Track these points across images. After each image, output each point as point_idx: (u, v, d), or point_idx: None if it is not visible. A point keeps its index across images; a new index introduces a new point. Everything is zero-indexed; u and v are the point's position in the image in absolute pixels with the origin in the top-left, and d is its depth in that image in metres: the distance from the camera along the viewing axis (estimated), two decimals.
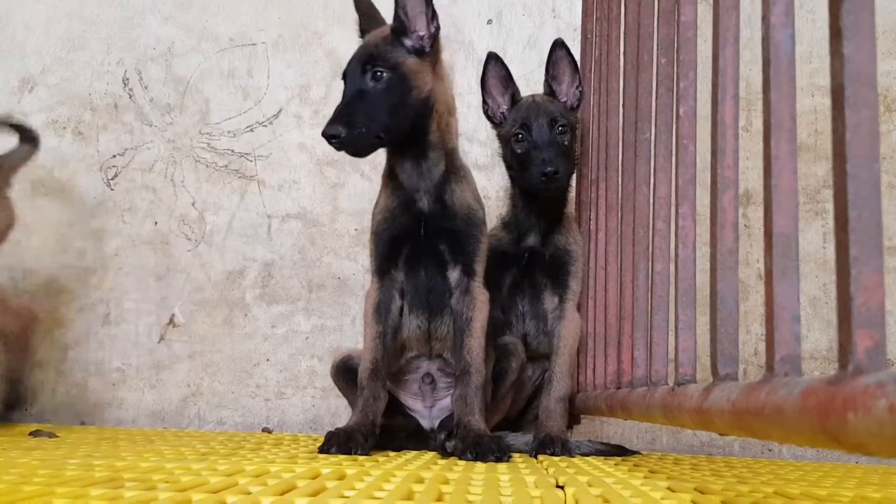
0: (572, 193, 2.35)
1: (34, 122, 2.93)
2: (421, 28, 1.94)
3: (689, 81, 1.30)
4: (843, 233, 0.70)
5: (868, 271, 0.68)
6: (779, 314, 0.85)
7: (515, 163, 2.21)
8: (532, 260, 2.23)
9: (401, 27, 1.93)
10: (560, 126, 2.17)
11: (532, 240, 2.24)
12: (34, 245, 2.89)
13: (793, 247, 0.87)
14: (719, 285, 1.04)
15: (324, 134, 1.80)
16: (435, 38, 1.96)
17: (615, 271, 1.87)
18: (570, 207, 2.32)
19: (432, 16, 1.94)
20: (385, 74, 1.87)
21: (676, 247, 1.28)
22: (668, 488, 1.33)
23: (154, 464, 1.48)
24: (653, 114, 1.55)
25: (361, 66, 1.87)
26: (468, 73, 2.93)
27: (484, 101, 2.30)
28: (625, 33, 1.88)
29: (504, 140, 2.26)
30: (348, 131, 1.80)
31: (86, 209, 2.91)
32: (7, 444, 1.87)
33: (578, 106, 2.28)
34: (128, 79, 2.96)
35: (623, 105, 1.86)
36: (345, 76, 1.89)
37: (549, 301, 2.23)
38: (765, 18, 0.92)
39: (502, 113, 2.28)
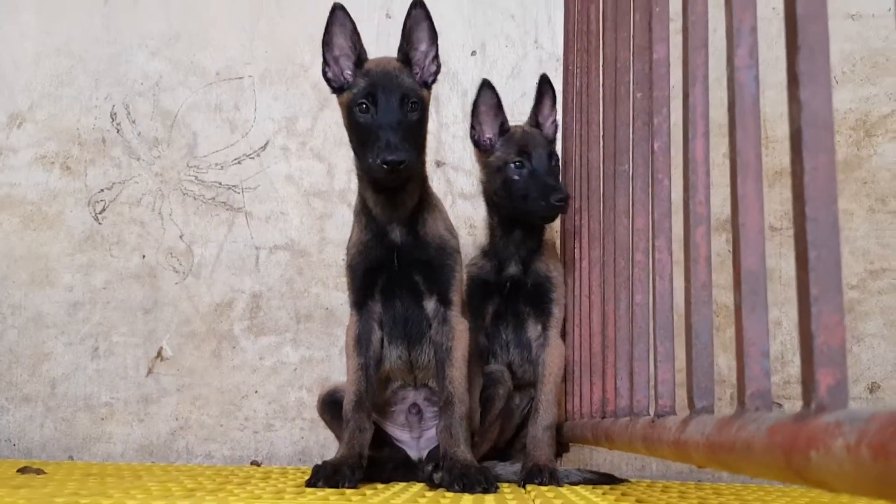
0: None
1: (23, 157, 2.95)
2: (427, 65, 2.02)
3: (663, 117, 1.33)
4: (804, 272, 0.72)
5: (828, 311, 0.70)
6: (748, 350, 0.87)
7: (511, 190, 2.22)
8: (514, 288, 2.26)
9: (408, 61, 2.00)
10: (555, 158, 2.25)
11: (513, 269, 2.27)
12: (23, 280, 2.90)
13: (761, 283, 0.88)
14: (693, 319, 1.06)
15: (390, 162, 1.82)
16: (436, 74, 2.04)
17: (599, 300, 1.89)
18: (549, 234, 2.35)
19: (435, 55, 2.03)
20: (417, 106, 1.94)
21: (654, 279, 1.30)
22: None
23: (140, 501, 1.48)
24: (630, 147, 1.58)
25: (400, 97, 1.91)
26: (453, 103, 2.96)
27: (472, 126, 2.33)
28: (603, 66, 1.91)
29: (492, 167, 2.28)
30: (408, 157, 1.85)
31: (74, 243, 2.91)
32: None
33: (555, 139, 2.35)
34: (115, 113, 2.98)
35: (603, 136, 1.89)
36: (375, 100, 1.91)
37: (533, 329, 2.25)
38: (729, 60, 0.95)
39: (489, 139, 2.31)
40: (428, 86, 2.03)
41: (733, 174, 0.92)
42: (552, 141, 2.33)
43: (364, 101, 1.92)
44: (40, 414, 2.83)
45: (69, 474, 2.12)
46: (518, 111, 2.93)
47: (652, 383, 1.35)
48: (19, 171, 2.96)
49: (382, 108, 1.90)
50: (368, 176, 1.96)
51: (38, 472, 2.11)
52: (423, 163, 2.05)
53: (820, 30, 0.75)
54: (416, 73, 2.01)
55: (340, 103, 2.02)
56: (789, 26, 0.76)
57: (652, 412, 1.34)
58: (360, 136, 1.94)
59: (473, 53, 3.00)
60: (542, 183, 2.17)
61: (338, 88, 2.01)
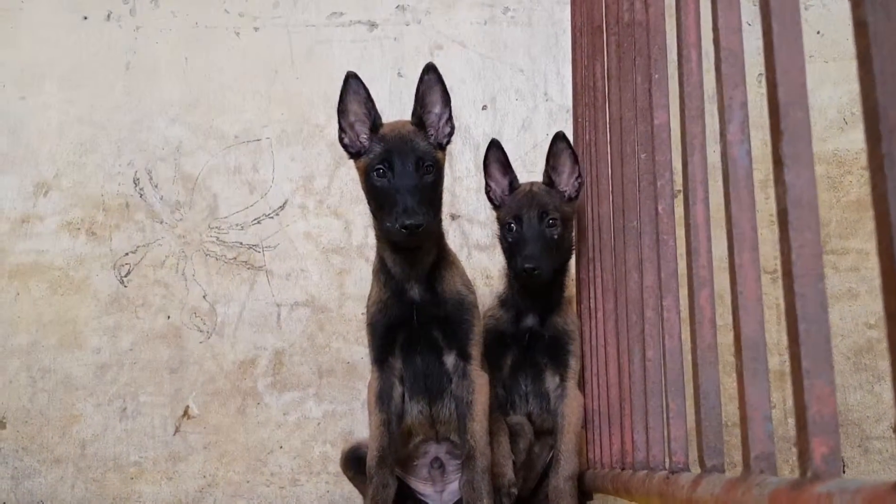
0: (572, 272, 2.41)
1: (49, 224, 3.04)
2: (441, 127, 2.08)
3: (666, 181, 1.38)
4: (795, 345, 0.76)
5: (820, 383, 0.74)
6: (751, 415, 0.91)
7: (506, 250, 2.29)
8: (532, 340, 2.29)
9: (422, 124, 2.05)
10: (550, 219, 2.23)
11: (531, 321, 2.30)
12: (52, 344, 2.96)
13: (761, 350, 0.92)
14: (701, 380, 1.09)
15: (408, 226, 1.87)
16: (451, 136, 2.09)
17: (614, 352, 1.92)
18: (569, 289, 2.38)
19: (448, 117, 2.09)
20: (432, 168, 1.99)
21: (663, 337, 1.34)
22: None
23: None
24: (637, 204, 1.62)
25: (415, 161, 1.97)
26: (466, 157, 3.03)
27: (487, 185, 2.38)
28: (609, 123, 1.97)
29: (499, 224, 2.34)
30: (426, 220, 1.90)
31: (101, 306, 2.99)
32: None
33: (577, 196, 2.34)
34: (138, 179, 3.07)
35: (612, 191, 1.94)
36: (391, 165, 1.96)
37: (551, 380, 2.28)
38: (722, 135, 1.00)
39: (500, 195, 2.36)
40: (443, 147, 2.09)
41: (730, 245, 0.96)
42: (571, 199, 2.33)
43: (381, 166, 1.98)
44: (71, 475, 2.87)
45: None
46: (530, 162, 3.00)
47: (666, 437, 1.38)
48: (46, 238, 3.04)
49: (399, 173, 1.95)
50: (387, 238, 2.01)
51: None
52: (439, 221, 2.11)
53: (801, 116, 0.80)
54: (431, 136, 2.06)
55: (358, 168, 2.08)
56: (772, 112, 0.81)
57: (667, 466, 1.37)
58: (378, 199, 2.00)
59: (484, 108, 3.07)
60: (523, 249, 2.20)
61: (355, 154, 2.07)
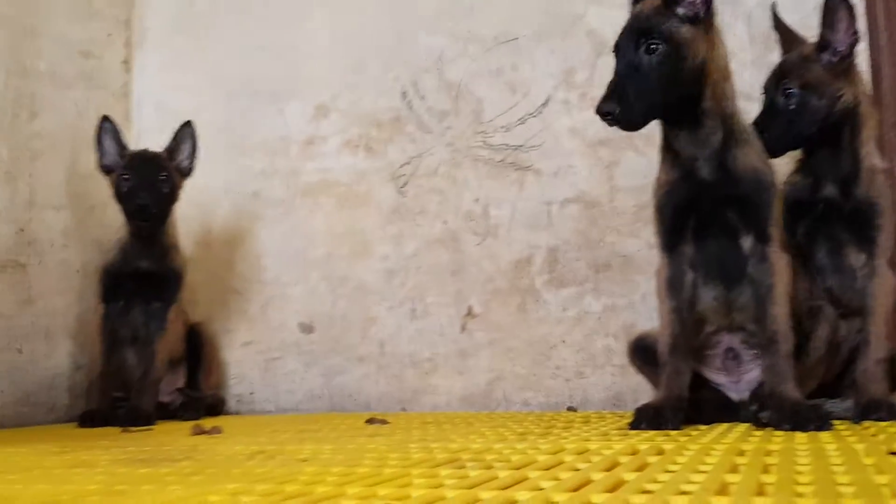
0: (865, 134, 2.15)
1: (332, 144, 3.27)
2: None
3: None
4: None
5: None
6: None
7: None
8: (828, 211, 2.10)
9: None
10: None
11: (829, 189, 2.11)
12: (344, 254, 3.22)
13: None
14: None
15: (598, 111, 1.82)
16: (709, 4, 1.89)
17: None
18: (872, 153, 2.13)
19: None
20: (659, 47, 1.83)
21: None
22: None
23: (482, 445, 1.62)
24: None
25: (635, 39, 1.85)
26: (737, 29, 2.79)
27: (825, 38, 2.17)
28: None
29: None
30: (622, 107, 1.81)
31: (383, 216, 3.19)
32: (352, 432, 2.12)
33: (850, 55, 2.10)
34: (405, 92, 3.19)
35: None
36: (616, 49, 1.88)
37: (855, 258, 2.09)
38: None
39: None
40: (697, 20, 1.87)
41: None
42: (844, 58, 2.09)
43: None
44: (374, 372, 3.14)
45: (408, 423, 2.35)
46: (810, 27, 2.70)
47: None
48: (330, 157, 3.28)
49: (620, 54, 1.88)
50: None
51: (383, 422, 2.36)
52: (723, 96, 1.94)
53: None
54: (680, 10, 1.87)
55: None
56: None
57: None
58: None
59: None
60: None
61: None
